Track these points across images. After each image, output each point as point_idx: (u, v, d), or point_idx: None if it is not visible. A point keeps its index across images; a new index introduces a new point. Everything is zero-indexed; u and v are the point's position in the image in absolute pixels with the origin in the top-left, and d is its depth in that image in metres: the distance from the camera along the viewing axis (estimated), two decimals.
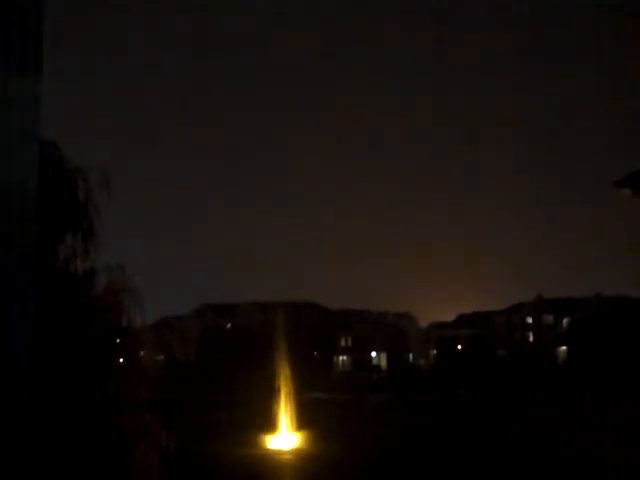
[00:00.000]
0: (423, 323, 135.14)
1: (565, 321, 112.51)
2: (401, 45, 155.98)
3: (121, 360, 13.19)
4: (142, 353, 14.02)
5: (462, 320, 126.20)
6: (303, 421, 40.61)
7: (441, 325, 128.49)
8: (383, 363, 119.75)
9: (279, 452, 36.81)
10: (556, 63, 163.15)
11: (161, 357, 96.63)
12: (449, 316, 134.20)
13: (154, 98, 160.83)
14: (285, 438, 39.28)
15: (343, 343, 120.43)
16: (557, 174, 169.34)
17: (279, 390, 41.07)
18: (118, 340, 12.93)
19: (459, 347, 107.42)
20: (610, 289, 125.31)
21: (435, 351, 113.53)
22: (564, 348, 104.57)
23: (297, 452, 36.72)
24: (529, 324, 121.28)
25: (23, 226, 7.43)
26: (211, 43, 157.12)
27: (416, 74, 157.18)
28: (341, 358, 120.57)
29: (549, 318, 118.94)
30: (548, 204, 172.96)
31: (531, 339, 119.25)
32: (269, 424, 40.10)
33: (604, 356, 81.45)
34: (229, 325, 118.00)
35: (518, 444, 37.59)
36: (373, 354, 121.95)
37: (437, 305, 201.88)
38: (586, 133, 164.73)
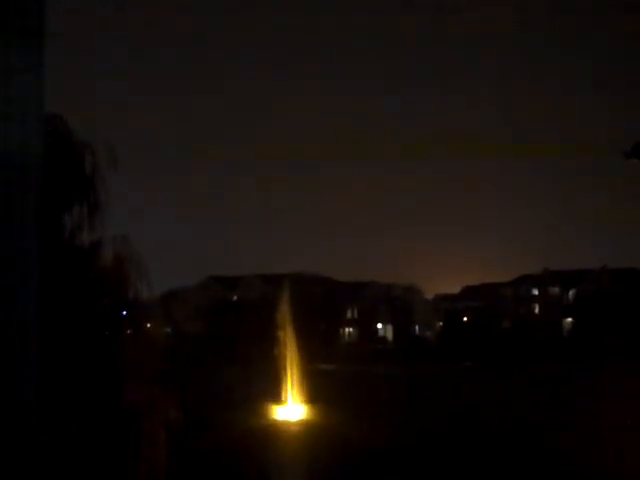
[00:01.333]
0: (429, 295, 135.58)
1: (571, 293, 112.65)
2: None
3: (128, 332, 13.20)
4: (149, 325, 14.04)
5: (468, 292, 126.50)
6: (309, 392, 40.80)
7: (447, 297, 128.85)
8: (389, 335, 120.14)
9: (286, 423, 37.03)
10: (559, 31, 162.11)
11: (168, 330, 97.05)
12: (455, 288, 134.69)
13: (154, 60, 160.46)
14: (292, 409, 39.49)
15: (349, 315, 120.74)
16: (561, 144, 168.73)
17: (285, 361, 41.22)
18: (125, 312, 12.93)
19: (465, 319, 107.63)
20: (616, 261, 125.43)
21: (441, 323, 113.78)
22: (570, 320, 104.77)
23: (304, 423, 36.94)
24: (535, 296, 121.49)
25: (26, 198, 7.39)
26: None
27: None
28: (347, 330, 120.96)
29: (555, 290, 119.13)
30: (553, 175, 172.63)
31: (537, 311, 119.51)
32: (275, 395, 40.30)
33: (610, 328, 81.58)
34: (235, 297, 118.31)
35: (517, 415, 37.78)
36: (379, 326, 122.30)
37: (443, 277, 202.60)
38: (590, 102, 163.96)
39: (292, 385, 40.93)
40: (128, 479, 11.45)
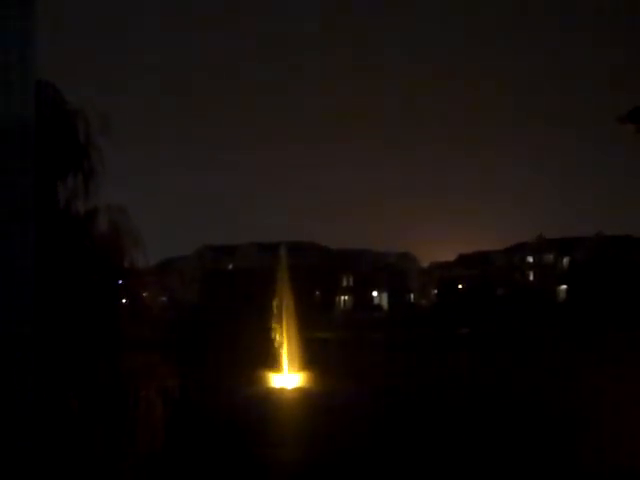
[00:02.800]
0: (424, 263, 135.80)
1: (566, 260, 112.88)
2: None
3: (124, 301, 13.23)
4: (145, 294, 14.05)
5: (463, 260, 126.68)
6: (305, 360, 40.97)
7: (442, 265, 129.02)
8: (384, 302, 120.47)
9: (282, 390, 37.23)
10: None
11: (164, 298, 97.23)
12: (450, 256, 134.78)
13: (153, 31, 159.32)
14: (288, 377, 39.67)
15: (344, 283, 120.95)
16: (558, 110, 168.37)
17: (281, 329, 41.34)
18: (121, 281, 12.94)
19: (460, 287, 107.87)
20: (611, 228, 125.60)
21: (436, 290, 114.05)
22: (564, 287, 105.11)
23: (300, 390, 37.13)
24: (530, 263, 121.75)
25: (22, 164, 7.38)
26: None
27: None
28: (342, 298, 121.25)
29: (550, 258, 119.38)
30: (549, 142, 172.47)
31: (532, 278, 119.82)
32: (272, 363, 40.46)
33: (604, 295, 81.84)
34: (230, 266, 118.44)
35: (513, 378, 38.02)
36: (374, 294, 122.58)
37: (438, 245, 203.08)
38: (586, 68, 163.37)
39: (288, 353, 41.08)
40: (126, 447, 11.53)
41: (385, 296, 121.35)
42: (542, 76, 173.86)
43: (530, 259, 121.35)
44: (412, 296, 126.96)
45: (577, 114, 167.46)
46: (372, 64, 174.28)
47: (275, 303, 42.19)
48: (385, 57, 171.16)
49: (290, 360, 40.97)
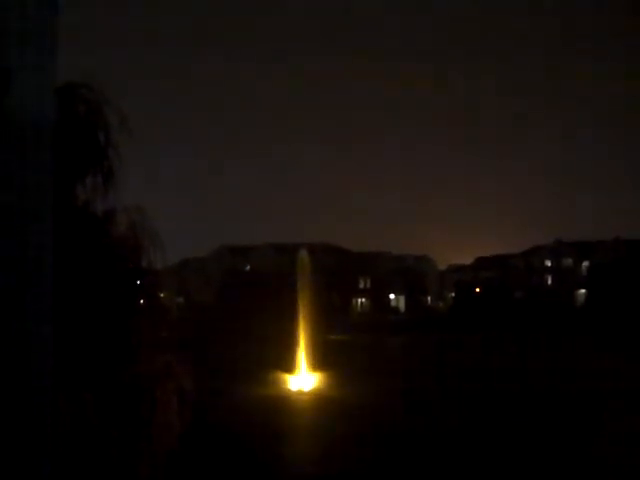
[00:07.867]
0: (441, 266, 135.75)
1: (584, 264, 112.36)
2: None
3: (141, 301, 13.23)
4: (162, 295, 14.04)
5: (480, 263, 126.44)
6: (322, 362, 40.91)
7: (459, 268, 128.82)
8: (401, 305, 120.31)
9: (299, 392, 37.17)
10: None
11: (181, 299, 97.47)
12: (467, 259, 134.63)
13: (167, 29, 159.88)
14: (304, 379, 39.62)
15: (362, 285, 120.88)
16: (575, 112, 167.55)
17: (298, 331, 41.29)
18: (138, 281, 12.94)
19: (477, 290, 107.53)
20: (629, 232, 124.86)
21: (453, 293, 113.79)
22: (583, 291, 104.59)
23: (317, 392, 37.06)
24: (548, 267, 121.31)
25: (41, 163, 7.33)
26: None
27: None
28: (360, 300, 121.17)
29: (568, 261, 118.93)
30: (567, 145, 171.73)
31: (549, 282, 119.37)
32: (288, 365, 40.43)
33: (622, 299, 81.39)
34: (248, 267, 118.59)
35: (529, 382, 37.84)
36: (392, 296, 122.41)
37: (455, 248, 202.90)
38: (604, 62, 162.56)
39: (305, 355, 41.03)
40: (142, 447, 11.52)
41: (402, 298, 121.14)
42: (559, 77, 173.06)
43: (548, 262, 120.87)
44: (429, 299, 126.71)
45: (594, 115, 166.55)
46: (389, 66, 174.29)
47: (292, 304, 42.14)
48: (403, 59, 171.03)
49: (307, 362, 40.93)
